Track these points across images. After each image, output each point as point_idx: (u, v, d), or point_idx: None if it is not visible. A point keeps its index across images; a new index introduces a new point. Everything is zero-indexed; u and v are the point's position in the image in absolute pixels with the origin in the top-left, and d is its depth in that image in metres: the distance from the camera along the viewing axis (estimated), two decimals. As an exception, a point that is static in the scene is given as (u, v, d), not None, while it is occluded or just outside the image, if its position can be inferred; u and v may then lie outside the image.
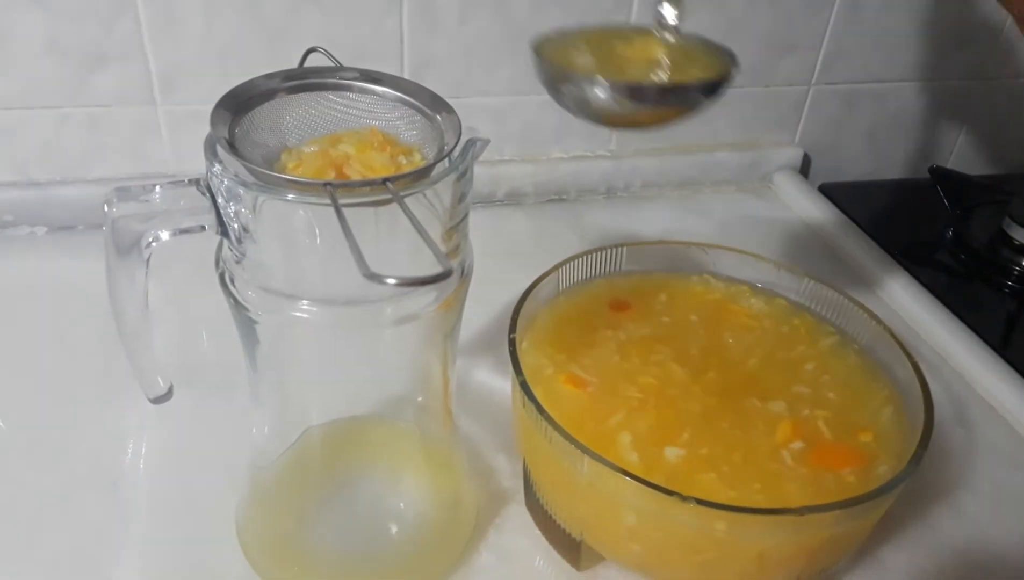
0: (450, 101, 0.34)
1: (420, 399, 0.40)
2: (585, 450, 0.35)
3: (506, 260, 0.51)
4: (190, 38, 0.61)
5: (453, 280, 0.33)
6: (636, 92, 0.35)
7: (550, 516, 0.41)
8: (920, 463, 0.36)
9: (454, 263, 0.33)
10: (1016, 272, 0.67)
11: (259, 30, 0.62)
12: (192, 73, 0.62)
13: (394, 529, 0.40)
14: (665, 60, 0.38)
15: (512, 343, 0.41)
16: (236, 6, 0.60)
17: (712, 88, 0.35)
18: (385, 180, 0.28)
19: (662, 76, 0.37)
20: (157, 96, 0.63)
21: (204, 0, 0.60)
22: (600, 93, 0.34)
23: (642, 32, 0.39)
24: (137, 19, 0.59)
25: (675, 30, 0.38)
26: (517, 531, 0.43)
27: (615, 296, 0.48)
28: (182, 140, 0.65)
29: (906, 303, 0.63)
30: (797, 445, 0.39)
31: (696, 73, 0.37)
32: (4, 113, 0.61)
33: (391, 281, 0.24)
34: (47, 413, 0.48)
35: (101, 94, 0.62)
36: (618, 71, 0.37)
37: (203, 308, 0.50)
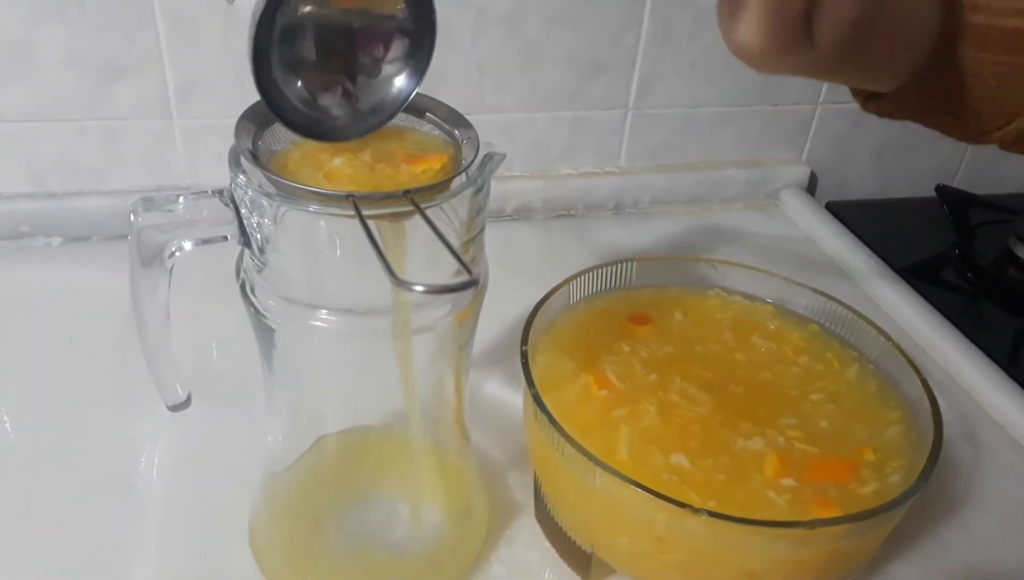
0: (460, 118, 0.35)
1: (434, 412, 0.40)
2: (597, 462, 0.35)
3: (515, 274, 0.51)
4: (207, 53, 0.62)
5: (469, 292, 0.34)
6: None
7: (561, 528, 0.41)
8: (929, 478, 0.36)
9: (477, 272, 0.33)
10: (1022, 290, 0.67)
11: (275, 46, 0.63)
12: (208, 87, 0.63)
13: (405, 538, 0.40)
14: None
15: (524, 355, 0.41)
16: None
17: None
18: (406, 192, 0.29)
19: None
20: (174, 109, 0.64)
21: (221, 14, 0.61)
22: None
23: None
24: (156, 33, 0.60)
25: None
26: (528, 543, 0.43)
27: (634, 309, 0.48)
28: (197, 153, 0.66)
29: (913, 321, 0.63)
30: (789, 482, 0.38)
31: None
32: (23, 125, 0.62)
33: (419, 288, 0.25)
34: (62, 420, 0.49)
35: (119, 107, 0.63)
36: None
37: (217, 321, 0.52)
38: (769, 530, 0.34)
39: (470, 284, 0.25)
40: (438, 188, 0.30)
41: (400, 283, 0.25)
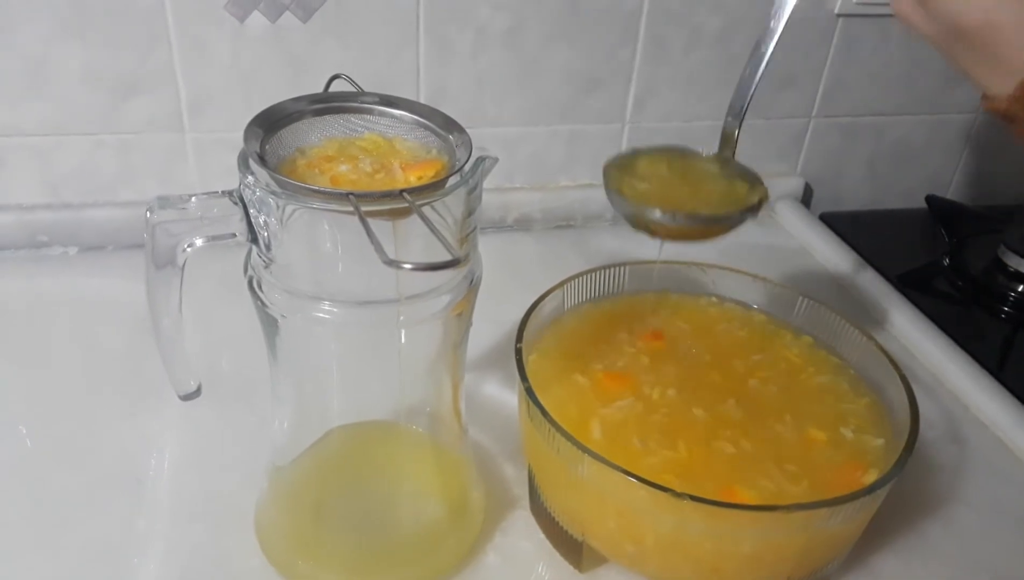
0: (462, 131, 0.37)
1: (431, 406, 0.42)
2: (584, 449, 0.37)
3: (515, 282, 0.53)
4: (218, 69, 0.64)
5: (463, 286, 0.36)
6: (690, 218, 0.43)
7: (553, 519, 0.43)
8: (904, 465, 0.38)
9: (464, 266, 0.35)
10: (1011, 298, 0.69)
11: (282, 62, 0.65)
12: (219, 102, 0.66)
13: (405, 528, 0.42)
14: (713, 186, 0.46)
15: (519, 352, 0.43)
16: (262, 38, 0.64)
17: (744, 214, 0.43)
18: (402, 191, 0.31)
19: (709, 205, 0.44)
20: (186, 123, 0.66)
21: (232, 32, 0.63)
22: (662, 219, 0.42)
23: (693, 157, 0.49)
24: (170, 50, 0.63)
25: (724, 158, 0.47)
26: (522, 534, 0.45)
27: (627, 311, 0.50)
28: (208, 165, 0.68)
29: (904, 328, 0.65)
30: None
31: (735, 200, 0.45)
32: (41, 138, 0.65)
33: (407, 266, 0.27)
34: (77, 418, 0.51)
35: (133, 121, 0.65)
36: (674, 198, 0.44)
37: (224, 325, 0.54)
38: (748, 514, 0.36)
39: (453, 263, 0.28)
40: (433, 187, 0.33)
41: (390, 262, 0.27)
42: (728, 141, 0.48)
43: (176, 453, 0.49)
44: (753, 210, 0.43)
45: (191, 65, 0.64)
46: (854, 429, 0.43)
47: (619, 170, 0.46)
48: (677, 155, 0.48)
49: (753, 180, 0.45)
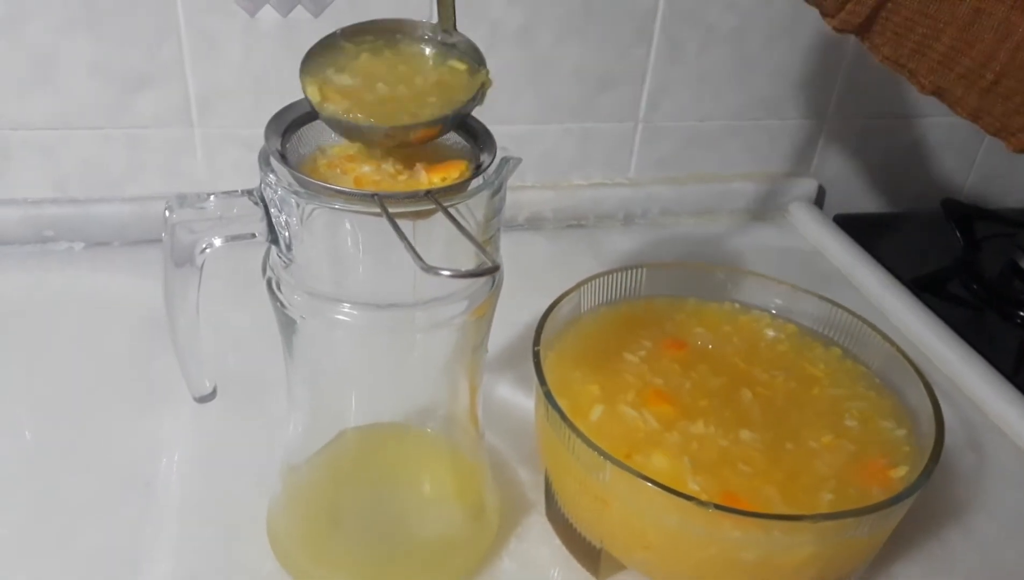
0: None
1: (448, 410, 0.42)
2: (607, 456, 0.36)
3: (526, 282, 0.52)
4: (228, 64, 0.64)
5: (484, 290, 0.35)
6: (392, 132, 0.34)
7: (571, 525, 0.42)
8: (930, 475, 0.37)
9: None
10: (1028, 302, 0.68)
11: (294, 57, 0.64)
12: (228, 97, 0.65)
13: (419, 532, 0.41)
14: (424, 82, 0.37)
15: (536, 355, 0.42)
16: (273, 33, 0.63)
17: (455, 118, 0.35)
18: (428, 192, 0.30)
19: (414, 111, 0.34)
20: (195, 118, 0.65)
21: (243, 27, 0.62)
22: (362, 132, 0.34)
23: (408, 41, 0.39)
24: (180, 45, 0.62)
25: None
26: (538, 540, 0.44)
27: (645, 314, 0.50)
28: (216, 161, 0.67)
29: (919, 332, 0.64)
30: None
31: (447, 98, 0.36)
32: (48, 133, 0.64)
33: (446, 273, 0.26)
34: (84, 419, 0.50)
35: (141, 116, 0.64)
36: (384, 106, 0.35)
37: (234, 325, 0.53)
38: (775, 523, 0.35)
39: (492, 269, 0.27)
40: (457, 189, 0.32)
41: (428, 269, 0.26)
42: (445, 7, 0.38)
43: (185, 455, 0.48)
44: (473, 102, 0.36)
45: (201, 59, 0.63)
46: (859, 418, 0.43)
47: (323, 61, 0.38)
48: (388, 41, 0.39)
49: (476, 61, 0.39)
